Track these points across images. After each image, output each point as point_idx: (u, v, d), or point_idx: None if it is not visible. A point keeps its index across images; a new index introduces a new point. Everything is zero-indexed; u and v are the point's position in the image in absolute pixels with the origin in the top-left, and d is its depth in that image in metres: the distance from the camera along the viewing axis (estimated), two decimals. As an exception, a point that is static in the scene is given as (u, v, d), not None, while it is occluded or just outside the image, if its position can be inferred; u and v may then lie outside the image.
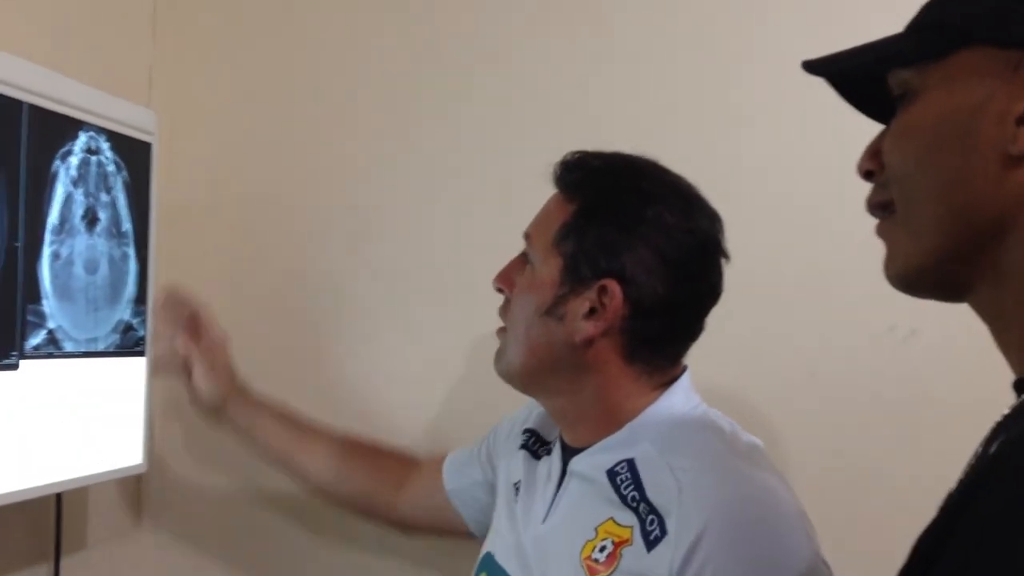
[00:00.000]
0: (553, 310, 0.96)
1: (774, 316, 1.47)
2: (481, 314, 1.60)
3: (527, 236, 1.02)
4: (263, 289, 1.72)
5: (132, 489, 1.70)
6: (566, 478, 0.99)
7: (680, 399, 0.97)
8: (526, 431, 1.12)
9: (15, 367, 1.15)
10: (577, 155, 1.00)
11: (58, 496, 1.42)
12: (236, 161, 1.74)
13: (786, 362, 1.50)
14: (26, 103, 1.15)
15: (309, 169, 1.71)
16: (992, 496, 0.46)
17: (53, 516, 1.44)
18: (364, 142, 1.68)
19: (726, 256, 0.98)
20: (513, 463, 1.10)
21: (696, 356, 1.05)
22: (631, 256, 0.93)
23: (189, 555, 1.74)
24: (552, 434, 1.07)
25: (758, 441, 0.96)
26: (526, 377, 1.01)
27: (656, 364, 0.97)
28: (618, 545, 0.88)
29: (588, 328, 0.94)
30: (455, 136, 1.64)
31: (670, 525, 0.85)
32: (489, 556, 1.06)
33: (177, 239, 1.72)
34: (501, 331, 1.04)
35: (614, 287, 0.92)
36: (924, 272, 0.61)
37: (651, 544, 0.86)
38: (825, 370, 1.50)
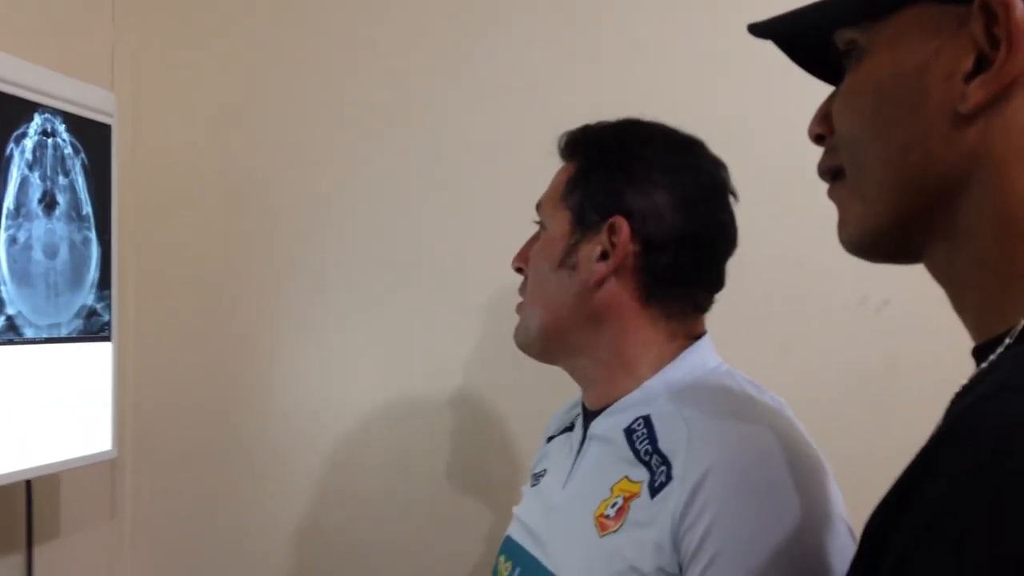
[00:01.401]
0: (566, 260, 0.97)
1: (746, 290, 1.46)
2: (454, 303, 1.60)
3: (538, 206, 1.03)
4: (233, 274, 1.71)
5: (107, 478, 1.68)
6: (586, 442, 0.99)
7: (701, 358, 0.97)
8: (547, 439, 1.13)
9: (-27, 354, 1.14)
10: (579, 127, 1.03)
11: (28, 484, 1.40)
12: (205, 144, 1.72)
13: (760, 336, 1.49)
14: (-23, 85, 1.13)
15: (281, 150, 1.69)
16: (938, 476, 0.44)
17: (24, 504, 1.43)
18: (335, 124, 1.66)
19: (735, 195, 0.98)
20: (539, 463, 1.11)
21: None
22: (635, 194, 0.94)
23: (166, 544, 1.73)
24: (572, 415, 1.07)
25: (783, 401, 0.95)
26: (544, 338, 1.01)
27: (672, 308, 0.97)
28: (628, 499, 0.88)
29: (601, 269, 0.95)
30: (433, 126, 1.62)
31: (676, 470, 0.84)
32: (508, 538, 1.07)
33: (145, 223, 1.70)
34: (520, 307, 1.04)
35: (621, 222, 0.94)
36: (876, 236, 0.60)
37: (655, 491, 0.85)
38: (799, 343, 1.49)
